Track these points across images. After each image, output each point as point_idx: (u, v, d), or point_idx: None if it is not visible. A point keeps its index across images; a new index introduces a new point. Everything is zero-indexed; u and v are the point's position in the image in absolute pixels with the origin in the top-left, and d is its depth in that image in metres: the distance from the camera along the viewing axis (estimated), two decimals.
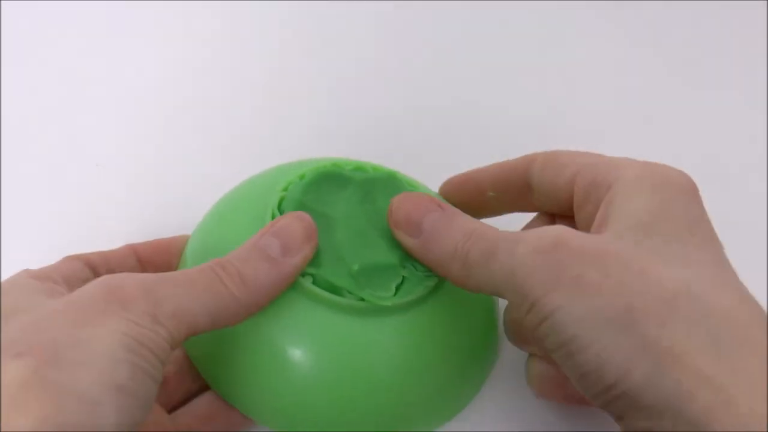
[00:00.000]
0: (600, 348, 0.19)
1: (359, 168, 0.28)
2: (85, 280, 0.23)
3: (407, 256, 0.25)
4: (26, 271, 0.23)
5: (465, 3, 0.44)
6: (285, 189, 0.26)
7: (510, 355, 0.29)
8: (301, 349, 0.24)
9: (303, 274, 0.24)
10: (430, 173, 0.30)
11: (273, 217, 0.25)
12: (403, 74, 0.41)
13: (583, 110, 0.40)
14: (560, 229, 0.21)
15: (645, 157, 0.24)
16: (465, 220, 0.23)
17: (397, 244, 0.25)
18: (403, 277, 0.25)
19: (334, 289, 0.24)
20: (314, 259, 0.24)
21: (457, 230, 0.23)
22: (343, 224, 0.25)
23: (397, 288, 0.24)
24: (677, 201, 0.22)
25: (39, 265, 0.24)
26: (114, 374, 0.18)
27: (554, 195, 0.25)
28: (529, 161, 0.26)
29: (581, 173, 0.24)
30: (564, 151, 0.25)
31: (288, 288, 0.24)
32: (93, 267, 0.25)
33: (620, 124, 0.39)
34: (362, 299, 0.24)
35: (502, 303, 0.30)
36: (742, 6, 0.44)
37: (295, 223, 0.24)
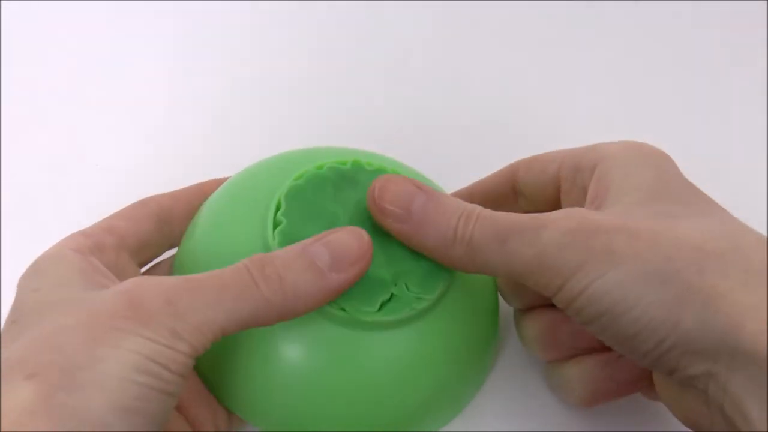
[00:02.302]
0: (646, 304, 0.19)
1: (380, 170, 0.26)
2: (117, 248, 0.24)
3: (402, 272, 0.24)
4: (70, 238, 0.23)
5: (470, 3, 0.44)
6: (299, 178, 0.25)
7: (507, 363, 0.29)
8: (282, 347, 0.23)
9: None
10: (449, 173, 0.31)
11: (278, 205, 0.24)
12: (409, 73, 0.41)
13: (584, 109, 0.40)
14: (580, 211, 0.22)
15: None
16: (452, 201, 0.23)
17: (394, 259, 0.24)
18: (392, 294, 0.24)
19: None
20: None
21: (451, 212, 0.23)
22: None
23: (383, 304, 0.23)
24: (668, 173, 0.23)
25: None
26: (123, 396, 0.18)
27: (541, 194, 0.26)
28: (512, 170, 0.27)
29: (565, 163, 0.25)
30: (543, 153, 0.26)
31: None
32: (122, 238, 0.25)
33: (621, 124, 0.39)
34: (343, 309, 0.23)
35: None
36: (742, 6, 0.44)
37: (351, 238, 0.22)
